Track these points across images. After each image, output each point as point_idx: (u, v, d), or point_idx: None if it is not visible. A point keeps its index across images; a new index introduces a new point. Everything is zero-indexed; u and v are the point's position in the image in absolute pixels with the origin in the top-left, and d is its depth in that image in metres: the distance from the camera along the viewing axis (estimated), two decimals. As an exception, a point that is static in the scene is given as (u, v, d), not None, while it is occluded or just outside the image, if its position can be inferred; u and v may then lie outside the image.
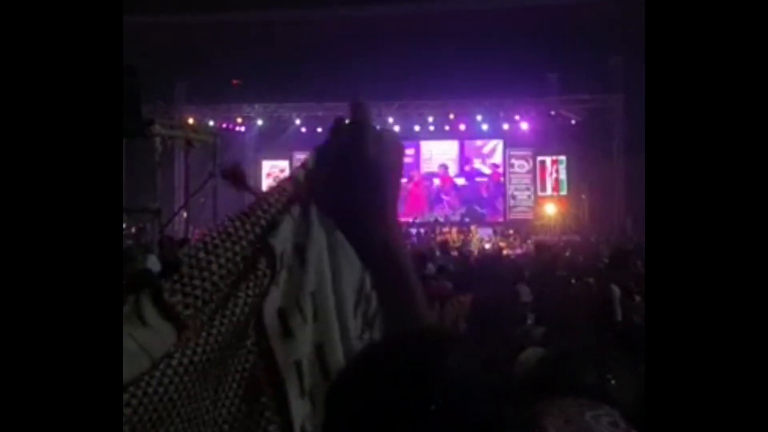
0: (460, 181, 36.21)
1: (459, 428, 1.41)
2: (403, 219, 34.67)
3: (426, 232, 32.38)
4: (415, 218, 34.60)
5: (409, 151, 36.36)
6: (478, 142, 35.92)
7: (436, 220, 34.42)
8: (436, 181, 36.34)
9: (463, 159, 36.31)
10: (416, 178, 36.17)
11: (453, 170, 36.41)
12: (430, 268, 13.05)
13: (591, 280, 11.97)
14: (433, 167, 36.41)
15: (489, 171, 36.09)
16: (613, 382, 2.81)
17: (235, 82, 31.38)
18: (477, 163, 36.25)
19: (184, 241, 14.74)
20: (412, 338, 1.60)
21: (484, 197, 36.08)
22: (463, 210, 35.51)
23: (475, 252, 25.89)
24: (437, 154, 36.41)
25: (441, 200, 36.17)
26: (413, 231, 32.56)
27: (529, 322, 9.06)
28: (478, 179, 36.18)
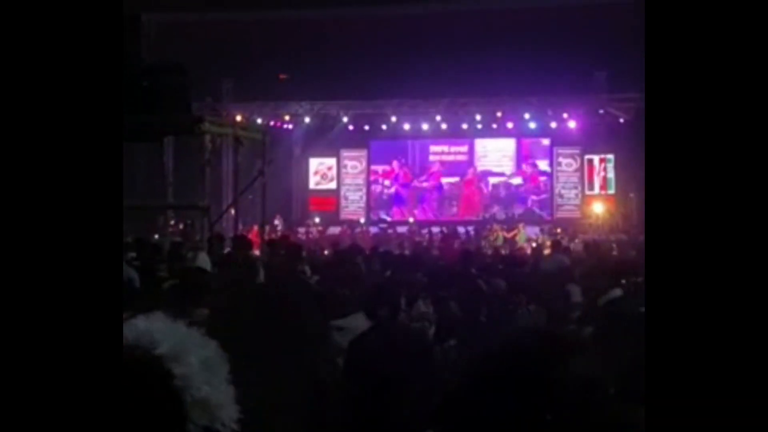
0: (517, 181, 36.14)
1: None
2: (455, 219, 34.76)
3: (476, 231, 32.35)
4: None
5: (462, 148, 36.34)
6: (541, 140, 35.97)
7: (484, 218, 34.36)
8: (493, 180, 36.28)
9: (521, 157, 36.24)
10: (470, 176, 36.13)
11: (509, 169, 36.34)
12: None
13: (640, 279, 11.89)
14: (489, 165, 36.38)
15: (549, 170, 36.00)
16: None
17: (281, 76, 31.44)
18: (539, 163, 36.20)
19: (236, 238, 14.79)
20: (532, 345, 1.60)
21: (544, 197, 35.98)
22: (521, 210, 35.44)
23: (528, 251, 25.81)
24: (492, 152, 36.38)
25: (498, 199, 36.10)
26: (461, 230, 32.51)
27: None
28: (541, 178, 36.11)
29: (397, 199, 36.96)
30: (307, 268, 11.46)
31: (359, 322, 6.39)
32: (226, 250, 13.48)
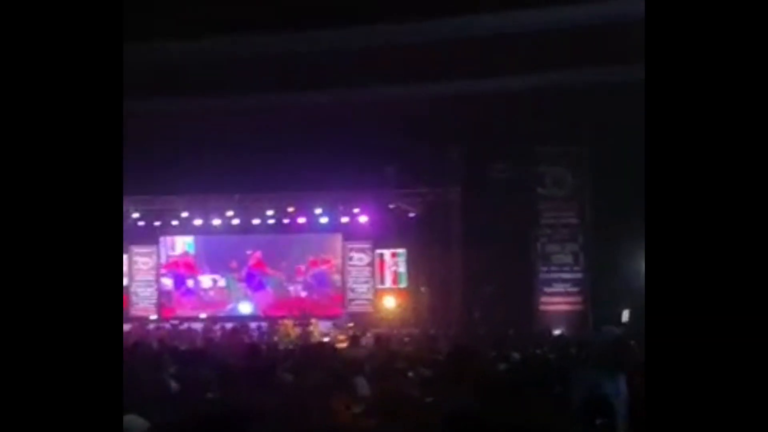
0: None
1: None
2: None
3: (269, 326, 32.33)
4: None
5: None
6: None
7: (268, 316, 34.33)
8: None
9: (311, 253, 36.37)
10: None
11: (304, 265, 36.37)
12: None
13: (428, 371, 11.99)
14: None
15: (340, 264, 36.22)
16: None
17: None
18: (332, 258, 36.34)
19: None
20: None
21: (329, 293, 36.07)
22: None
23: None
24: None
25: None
26: (253, 325, 32.38)
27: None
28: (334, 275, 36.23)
29: (189, 294, 36.60)
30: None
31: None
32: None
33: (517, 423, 2.49)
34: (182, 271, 36.69)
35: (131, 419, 5.55)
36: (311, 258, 36.15)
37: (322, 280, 36.16)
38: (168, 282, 36.90)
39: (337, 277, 36.13)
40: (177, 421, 5.93)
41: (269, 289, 36.13)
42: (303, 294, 35.88)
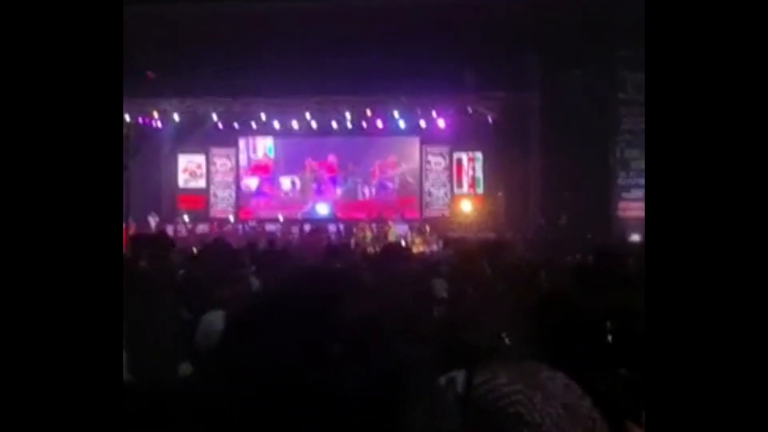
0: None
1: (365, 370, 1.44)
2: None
3: (346, 229, 32.52)
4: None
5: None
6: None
7: (344, 218, 34.53)
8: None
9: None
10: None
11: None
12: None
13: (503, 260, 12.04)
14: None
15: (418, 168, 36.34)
16: (507, 341, 2.85)
17: (149, 74, 31.00)
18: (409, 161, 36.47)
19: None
20: (310, 283, 1.64)
21: (405, 196, 36.21)
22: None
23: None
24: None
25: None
26: (332, 228, 32.60)
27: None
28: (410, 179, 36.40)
29: (268, 195, 36.92)
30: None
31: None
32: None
33: (602, 307, 2.53)
34: (262, 172, 36.99)
35: (216, 315, 5.64)
36: (389, 161, 36.26)
37: (399, 184, 36.29)
38: (249, 183, 37.25)
39: (413, 181, 36.23)
40: (256, 312, 6.01)
41: (345, 191, 36.37)
42: (379, 197, 36.07)
